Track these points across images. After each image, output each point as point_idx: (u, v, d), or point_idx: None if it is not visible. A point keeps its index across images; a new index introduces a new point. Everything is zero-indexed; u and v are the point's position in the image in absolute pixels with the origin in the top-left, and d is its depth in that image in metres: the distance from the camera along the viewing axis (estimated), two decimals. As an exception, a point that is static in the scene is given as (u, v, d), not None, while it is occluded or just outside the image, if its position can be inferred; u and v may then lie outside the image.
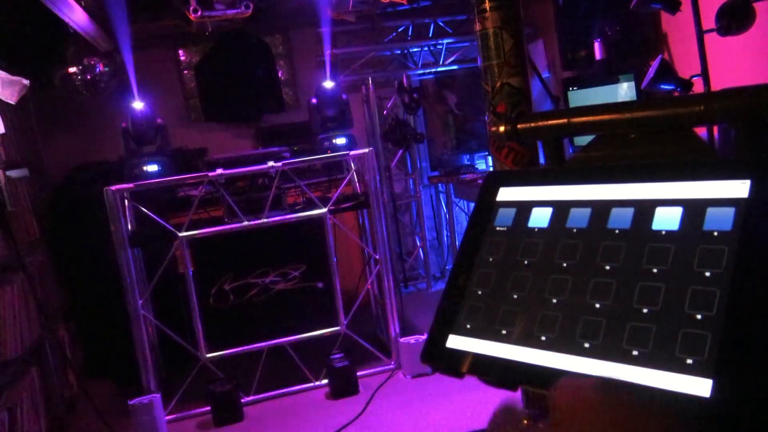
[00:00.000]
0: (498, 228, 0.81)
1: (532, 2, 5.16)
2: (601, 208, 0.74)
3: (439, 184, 5.94)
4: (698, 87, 3.10)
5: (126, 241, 3.62)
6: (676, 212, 0.68)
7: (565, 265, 0.72)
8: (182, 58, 5.26)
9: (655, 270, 0.65)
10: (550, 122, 0.93)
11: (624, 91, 4.04)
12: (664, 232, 0.68)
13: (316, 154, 4.07)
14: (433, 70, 5.81)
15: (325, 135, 4.12)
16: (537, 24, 5.37)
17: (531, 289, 0.73)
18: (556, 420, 0.56)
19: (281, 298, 3.85)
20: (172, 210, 4.13)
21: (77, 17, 3.59)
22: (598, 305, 0.67)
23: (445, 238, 6.11)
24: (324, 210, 3.83)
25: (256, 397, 3.83)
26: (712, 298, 0.60)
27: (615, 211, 0.73)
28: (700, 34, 3.03)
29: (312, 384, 3.91)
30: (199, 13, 3.72)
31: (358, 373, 3.87)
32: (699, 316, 0.60)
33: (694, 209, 0.67)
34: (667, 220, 0.68)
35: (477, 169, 5.80)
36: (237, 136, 5.40)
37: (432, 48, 5.75)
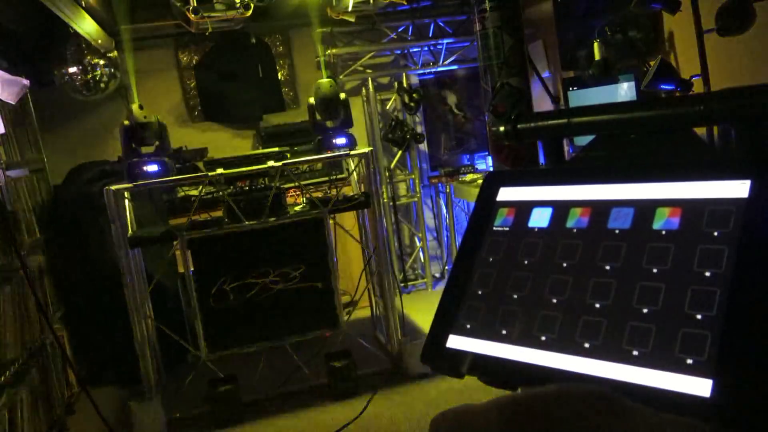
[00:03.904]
0: (498, 228, 0.81)
1: (532, 2, 5.16)
2: (601, 208, 0.74)
3: (439, 184, 5.94)
4: (698, 87, 3.10)
5: (126, 241, 3.62)
6: (676, 212, 0.68)
7: (565, 265, 0.72)
8: (182, 58, 5.26)
9: (655, 270, 0.65)
10: (550, 122, 0.94)
11: (624, 91, 4.04)
12: (664, 232, 0.68)
13: (316, 154, 4.07)
14: (433, 70, 5.81)
15: (325, 135, 4.12)
16: (537, 24, 5.37)
17: (531, 289, 0.73)
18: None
19: (281, 298, 3.84)
20: (172, 210, 4.13)
21: (78, 17, 3.59)
22: (598, 305, 0.67)
23: (445, 238, 6.11)
24: (324, 210, 3.83)
25: (256, 397, 3.83)
26: (712, 298, 0.60)
27: (615, 211, 0.73)
28: (700, 34, 3.03)
29: (312, 384, 3.91)
30: (199, 13, 3.71)
31: (358, 373, 3.87)
32: (699, 316, 0.60)
33: (694, 209, 0.67)
34: (666, 220, 0.68)
35: (477, 169, 5.79)
36: (237, 136, 5.40)
37: (432, 48, 5.75)
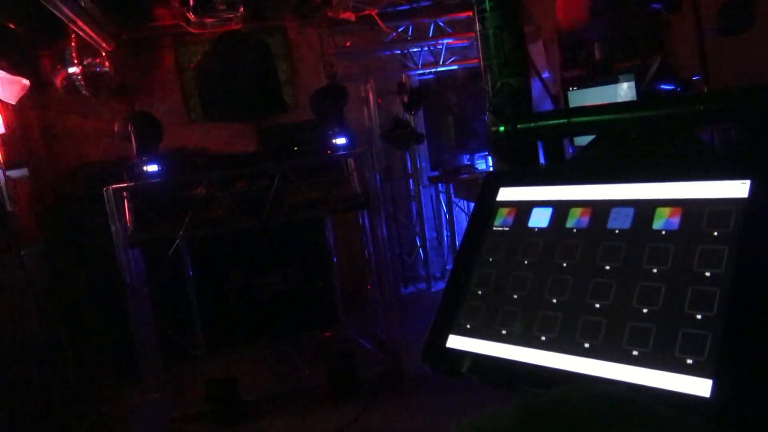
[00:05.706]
0: (498, 228, 0.81)
1: (532, 2, 5.15)
2: (601, 208, 0.74)
3: (439, 184, 5.93)
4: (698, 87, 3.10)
5: (126, 241, 3.62)
6: (676, 212, 0.68)
7: (565, 265, 0.72)
8: (182, 58, 5.26)
9: (655, 270, 0.65)
10: (550, 122, 0.94)
11: (624, 91, 4.04)
12: (664, 232, 0.68)
13: (316, 154, 4.06)
14: (433, 70, 5.80)
15: (325, 135, 4.11)
16: (537, 24, 5.36)
17: (531, 289, 0.73)
18: None
19: (281, 298, 3.84)
20: (172, 210, 4.13)
21: (78, 17, 3.59)
22: (598, 305, 0.67)
23: (445, 238, 6.10)
24: (324, 210, 3.83)
25: (256, 397, 3.83)
26: (712, 298, 0.60)
27: (615, 211, 0.73)
28: (700, 34, 3.03)
29: (312, 384, 3.90)
30: (199, 13, 3.71)
31: (358, 374, 3.86)
32: (699, 316, 0.60)
33: (694, 209, 0.67)
34: (666, 220, 0.68)
35: (477, 169, 5.79)
36: (237, 136, 5.40)
37: (432, 48, 5.74)
